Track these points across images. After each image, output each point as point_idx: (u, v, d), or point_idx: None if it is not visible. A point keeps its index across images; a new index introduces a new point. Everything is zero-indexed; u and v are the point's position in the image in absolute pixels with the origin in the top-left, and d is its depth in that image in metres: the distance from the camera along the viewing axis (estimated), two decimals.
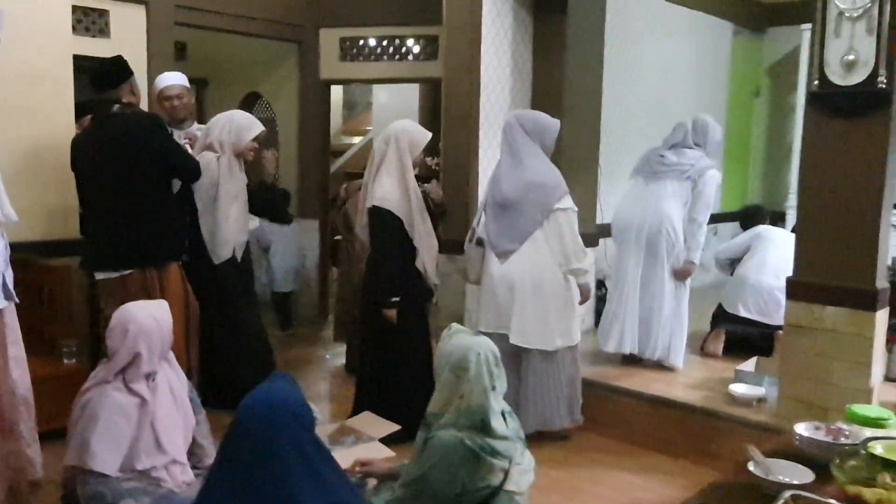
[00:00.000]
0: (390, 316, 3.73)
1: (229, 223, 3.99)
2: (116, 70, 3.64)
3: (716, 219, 6.98)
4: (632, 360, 4.46)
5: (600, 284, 5.23)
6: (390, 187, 3.73)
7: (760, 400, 3.75)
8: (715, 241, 7.19)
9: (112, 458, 2.54)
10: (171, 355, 2.87)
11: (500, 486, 2.29)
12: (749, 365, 4.11)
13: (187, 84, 4.37)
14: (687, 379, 4.20)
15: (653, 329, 4.36)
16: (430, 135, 3.91)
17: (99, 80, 3.61)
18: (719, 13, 6.62)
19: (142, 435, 2.62)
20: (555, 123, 3.88)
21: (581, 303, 3.89)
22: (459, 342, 2.34)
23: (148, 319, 2.65)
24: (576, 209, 3.82)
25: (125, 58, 4.69)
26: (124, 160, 3.51)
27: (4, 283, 2.66)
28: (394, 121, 4.01)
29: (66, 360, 3.68)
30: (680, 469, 3.51)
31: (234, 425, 1.76)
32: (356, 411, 3.78)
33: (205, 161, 3.89)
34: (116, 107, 3.55)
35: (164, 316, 2.72)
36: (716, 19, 6.64)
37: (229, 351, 4.04)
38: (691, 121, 4.58)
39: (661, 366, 4.38)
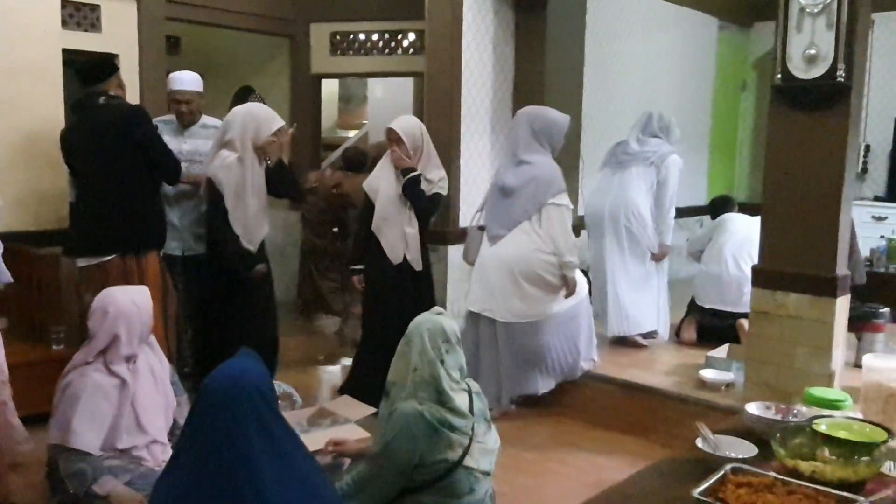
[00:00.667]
0: None
1: (257, 217, 4.03)
2: (103, 65, 3.78)
3: (700, 212, 7.09)
4: (621, 342, 4.71)
5: (584, 273, 5.35)
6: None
7: (729, 385, 3.86)
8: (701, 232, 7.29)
9: (93, 436, 2.63)
10: (153, 339, 2.95)
11: (459, 461, 2.38)
12: (721, 351, 4.21)
13: (200, 89, 4.36)
14: (660, 365, 4.32)
15: (635, 308, 4.64)
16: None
17: (86, 74, 3.72)
18: (704, 8, 6.70)
19: (122, 415, 2.70)
20: (564, 121, 4.06)
21: (567, 296, 4.01)
22: (417, 318, 2.45)
23: (128, 303, 2.74)
24: (571, 206, 4.00)
25: (116, 52, 4.86)
26: (107, 148, 3.61)
27: None
28: (390, 114, 4.18)
29: (54, 346, 3.78)
30: (649, 451, 3.60)
31: (198, 399, 1.82)
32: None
33: (226, 164, 3.92)
34: (102, 98, 3.67)
35: (144, 301, 2.81)
36: (701, 14, 6.72)
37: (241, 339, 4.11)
38: (657, 113, 4.80)
39: (636, 348, 4.64)
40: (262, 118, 4.04)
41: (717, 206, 5.21)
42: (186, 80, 4.28)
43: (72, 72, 4.05)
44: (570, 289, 4.00)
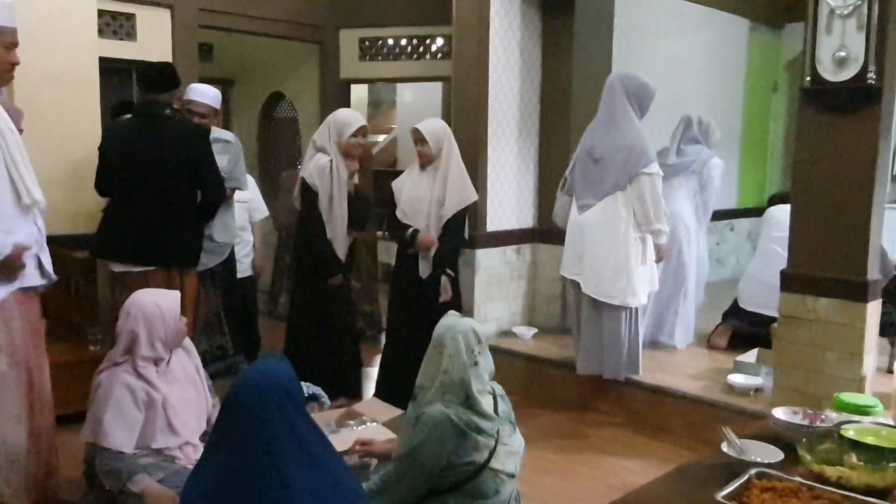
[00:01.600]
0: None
1: (343, 224, 4.13)
2: (169, 76, 3.78)
3: (732, 214, 7.03)
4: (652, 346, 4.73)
5: None
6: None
7: (758, 390, 3.83)
8: (732, 236, 7.24)
9: (123, 436, 2.68)
10: (190, 344, 3.00)
11: (485, 463, 2.40)
12: (750, 356, 4.18)
13: (217, 106, 4.38)
14: (688, 369, 4.29)
15: (673, 315, 4.77)
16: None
17: (150, 82, 3.73)
18: (735, 9, 6.65)
19: (154, 417, 2.74)
20: (655, 88, 4.12)
21: (657, 261, 4.16)
22: (444, 322, 2.47)
23: (151, 305, 2.78)
24: (661, 173, 4.04)
25: (150, 60, 4.95)
26: (164, 162, 3.62)
27: (40, 263, 2.78)
28: (419, 119, 4.25)
29: (91, 347, 3.87)
30: (675, 455, 3.59)
31: (227, 400, 1.86)
32: None
33: (319, 165, 4.02)
34: (167, 110, 3.71)
35: (168, 304, 2.82)
36: (731, 15, 6.67)
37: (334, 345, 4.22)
38: (696, 117, 4.75)
39: (663, 352, 4.65)
40: (343, 120, 4.10)
41: (776, 203, 4.97)
42: (207, 95, 4.29)
43: (110, 78, 4.15)
44: (661, 255, 4.16)
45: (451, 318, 2.50)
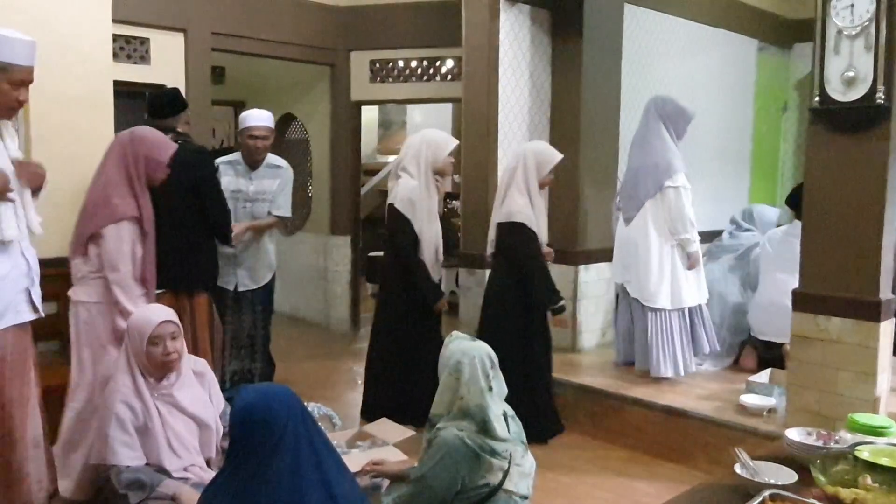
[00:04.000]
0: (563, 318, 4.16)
1: (438, 246, 4.25)
2: (174, 101, 3.95)
3: None
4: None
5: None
6: (524, 204, 4.03)
7: (771, 410, 3.80)
8: None
9: (128, 451, 2.66)
10: (204, 369, 2.96)
11: (499, 485, 2.40)
12: (762, 376, 4.15)
13: (272, 125, 4.58)
14: (699, 389, 4.27)
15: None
16: (559, 156, 4.16)
17: (158, 108, 3.91)
18: (743, 30, 6.67)
19: (155, 435, 2.71)
20: (692, 112, 4.48)
21: (689, 268, 4.44)
22: (457, 347, 2.47)
23: (132, 320, 2.82)
24: (688, 186, 4.38)
25: (164, 83, 5.02)
26: (168, 185, 3.56)
27: (30, 298, 2.76)
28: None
29: None
30: (688, 477, 3.57)
31: (232, 423, 1.89)
32: None
33: (409, 186, 4.09)
34: (170, 135, 3.73)
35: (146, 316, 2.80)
36: (740, 36, 6.69)
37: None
38: (749, 209, 5.36)
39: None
40: (440, 141, 4.22)
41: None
42: (262, 117, 4.47)
43: (124, 103, 4.20)
44: (692, 262, 4.43)
45: (463, 342, 2.50)
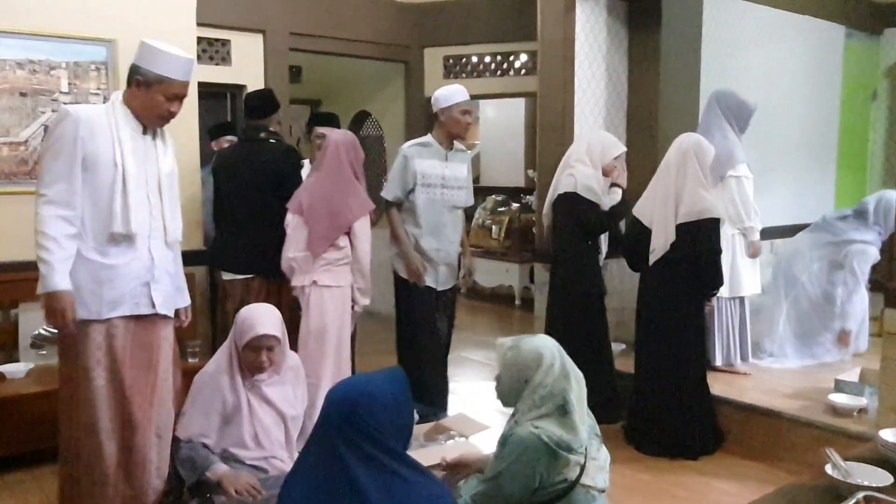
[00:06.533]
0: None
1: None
2: (268, 102, 4.18)
3: None
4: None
5: None
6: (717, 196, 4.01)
7: (861, 410, 3.66)
8: None
9: (200, 424, 2.75)
10: (295, 365, 3.01)
11: (577, 480, 2.38)
12: (852, 375, 4.00)
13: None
14: (784, 388, 4.14)
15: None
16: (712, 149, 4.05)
17: (253, 109, 4.15)
18: (829, 16, 6.42)
19: (241, 423, 2.78)
20: (753, 105, 4.45)
21: (751, 256, 4.48)
22: (527, 344, 2.46)
23: (241, 314, 2.87)
24: (749, 176, 4.40)
25: (244, 83, 5.16)
26: (259, 180, 3.94)
27: (150, 293, 2.79)
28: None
29: (190, 360, 4.01)
30: (773, 477, 3.47)
31: (323, 410, 1.92)
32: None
33: (587, 175, 4.12)
34: (263, 133, 4.06)
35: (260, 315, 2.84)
36: (826, 22, 6.44)
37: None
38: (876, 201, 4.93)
39: (758, 371, 4.54)
40: (609, 142, 4.26)
41: None
42: (463, 91, 4.09)
43: (206, 103, 4.35)
44: (755, 251, 4.46)
45: (531, 338, 2.50)
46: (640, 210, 4.01)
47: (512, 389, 2.45)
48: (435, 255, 4.09)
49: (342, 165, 3.69)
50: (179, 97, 2.75)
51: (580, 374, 2.48)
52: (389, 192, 4.07)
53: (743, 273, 4.46)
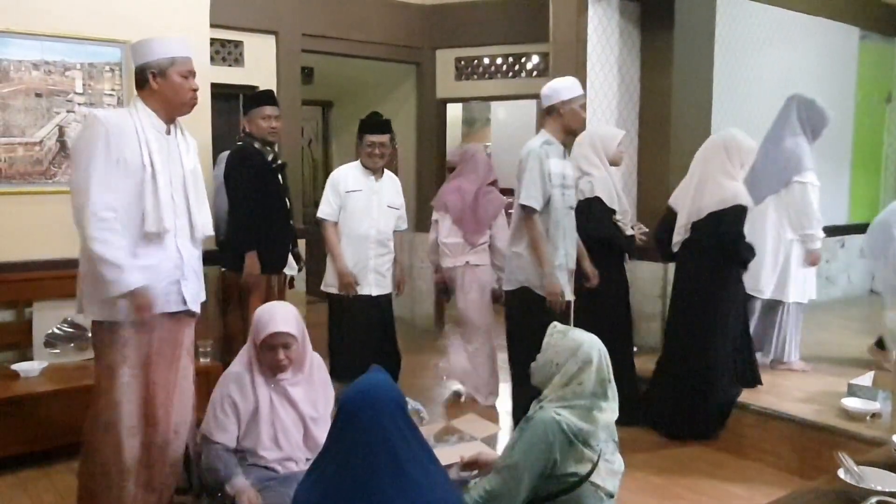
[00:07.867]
0: None
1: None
2: (246, 102, 4.29)
3: (843, 231, 6.73)
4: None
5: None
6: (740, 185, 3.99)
7: (875, 415, 3.63)
8: (842, 253, 6.92)
9: (220, 430, 2.75)
10: (318, 365, 2.98)
11: (587, 476, 2.37)
12: (865, 379, 3.96)
13: None
14: (798, 392, 4.11)
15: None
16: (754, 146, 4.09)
17: (243, 108, 4.35)
18: (844, 18, 6.39)
19: (259, 423, 2.77)
20: (830, 117, 4.49)
21: (810, 264, 4.46)
22: (579, 338, 2.47)
23: (258, 312, 2.87)
24: (816, 184, 4.37)
25: (256, 84, 5.17)
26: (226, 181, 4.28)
27: (180, 290, 2.83)
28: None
29: (201, 360, 4.02)
30: (785, 481, 3.45)
31: (340, 411, 1.92)
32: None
33: (599, 177, 4.14)
34: (238, 135, 4.30)
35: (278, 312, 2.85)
36: (840, 24, 6.41)
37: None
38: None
39: (771, 374, 4.45)
40: (607, 135, 4.27)
41: None
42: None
43: (219, 104, 4.46)
44: (814, 259, 4.43)
45: (584, 334, 2.51)
46: (674, 200, 4.17)
47: (543, 369, 2.47)
48: (566, 263, 3.78)
49: (479, 173, 4.70)
50: (193, 73, 2.81)
51: (616, 392, 2.48)
52: (530, 198, 3.64)
53: (792, 279, 4.43)
